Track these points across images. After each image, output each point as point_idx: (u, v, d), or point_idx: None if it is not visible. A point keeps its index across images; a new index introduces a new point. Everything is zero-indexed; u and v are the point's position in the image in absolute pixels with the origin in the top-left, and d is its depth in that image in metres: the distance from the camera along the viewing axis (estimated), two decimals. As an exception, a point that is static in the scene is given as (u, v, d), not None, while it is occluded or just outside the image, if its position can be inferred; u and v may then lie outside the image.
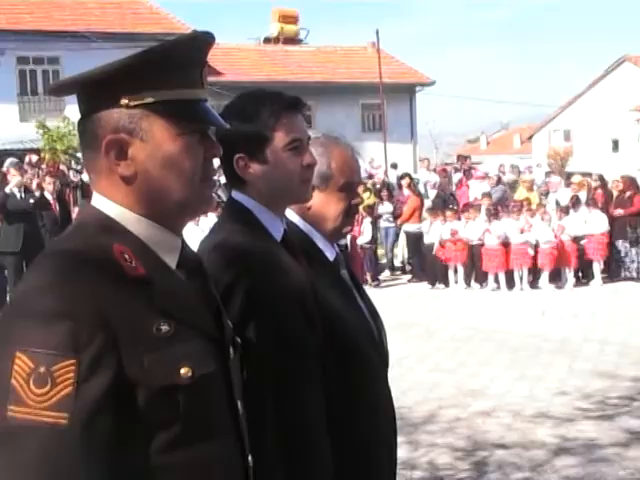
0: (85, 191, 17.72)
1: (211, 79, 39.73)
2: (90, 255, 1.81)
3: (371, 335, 2.91)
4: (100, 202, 1.93)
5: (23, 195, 14.01)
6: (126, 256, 1.84)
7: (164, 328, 1.81)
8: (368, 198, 19.43)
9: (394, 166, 27.46)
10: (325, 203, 3.00)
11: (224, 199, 3.23)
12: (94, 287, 1.75)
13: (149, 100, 1.87)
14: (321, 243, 3.01)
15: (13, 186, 13.93)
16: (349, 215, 3.07)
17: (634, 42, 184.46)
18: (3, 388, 1.65)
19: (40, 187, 15.67)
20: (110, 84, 1.84)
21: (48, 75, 34.99)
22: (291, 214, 2.91)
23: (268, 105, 2.72)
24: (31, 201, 13.90)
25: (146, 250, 1.91)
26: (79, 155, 28.56)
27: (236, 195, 2.77)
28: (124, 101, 1.84)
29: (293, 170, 2.72)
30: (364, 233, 18.48)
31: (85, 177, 21.02)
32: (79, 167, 23.19)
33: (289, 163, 2.71)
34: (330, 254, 3.02)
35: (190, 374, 1.82)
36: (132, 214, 1.91)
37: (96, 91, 1.86)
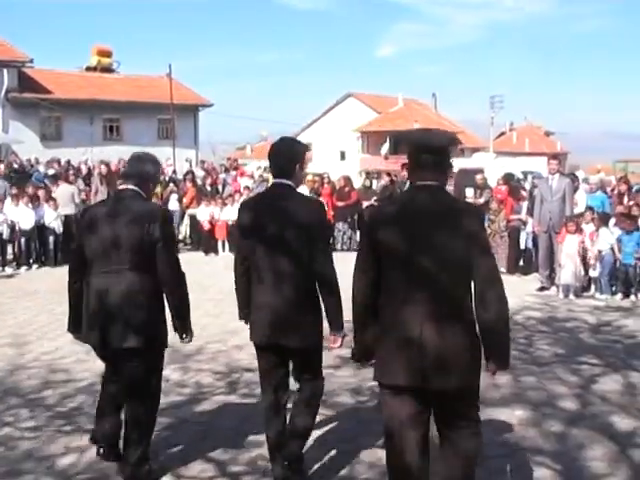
0: None
1: (42, 96, 37.21)
2: None
3: None
4: None
5: None
6: None
7: None
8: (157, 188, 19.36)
9: (190, 164, 28.06)
10: None
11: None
12: None
13: None
14: None
15: None
16: None
17: (357, 83, 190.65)
18: None
19: None
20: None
21: None
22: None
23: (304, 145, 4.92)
24: None
25: None
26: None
27: (278, 180, 4.68)
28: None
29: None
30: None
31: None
32: None
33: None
34: None
35: None
36: None
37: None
